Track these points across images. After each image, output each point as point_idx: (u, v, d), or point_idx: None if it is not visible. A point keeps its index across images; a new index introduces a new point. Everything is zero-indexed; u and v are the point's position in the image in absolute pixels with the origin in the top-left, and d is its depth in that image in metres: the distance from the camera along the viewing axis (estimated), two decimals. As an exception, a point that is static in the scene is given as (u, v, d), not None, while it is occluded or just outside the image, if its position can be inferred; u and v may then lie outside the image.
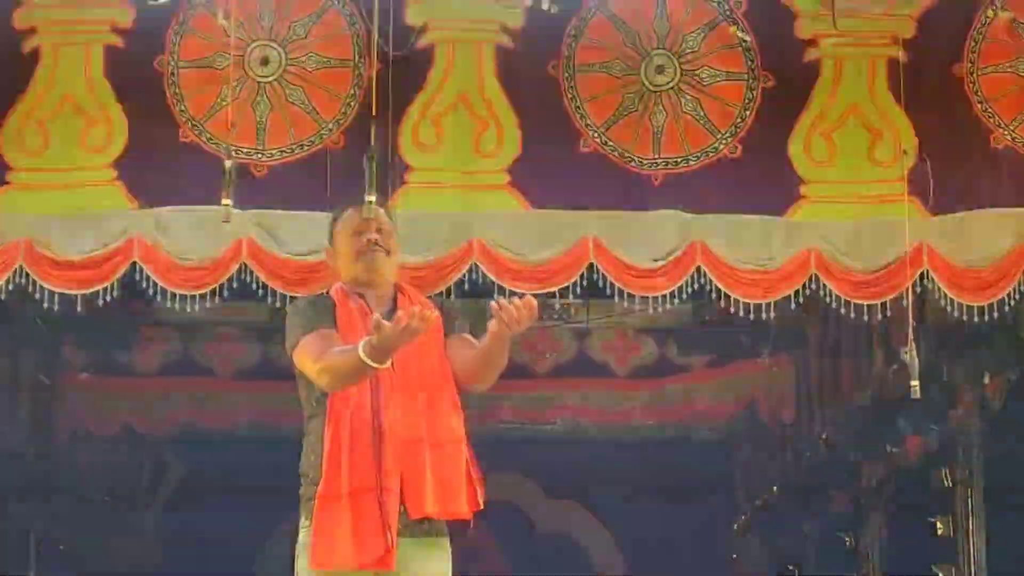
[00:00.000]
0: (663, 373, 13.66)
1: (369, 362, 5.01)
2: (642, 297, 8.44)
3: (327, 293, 5.57)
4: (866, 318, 8.76)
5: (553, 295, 8.66)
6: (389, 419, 5.17)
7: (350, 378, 5.19)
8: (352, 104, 8.36)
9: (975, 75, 8.41)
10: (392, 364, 5.12)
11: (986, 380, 9.89)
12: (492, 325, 5.12)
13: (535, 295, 8.64)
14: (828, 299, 8.34)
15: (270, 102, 8.37)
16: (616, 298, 8.54)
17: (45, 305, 8.35)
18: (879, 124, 8.40)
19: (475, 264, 8.06)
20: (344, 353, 5.15)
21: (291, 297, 8.11)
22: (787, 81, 8.46)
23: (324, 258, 8.03)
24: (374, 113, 8.04)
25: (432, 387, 5.28)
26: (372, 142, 7.93)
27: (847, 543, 12.38)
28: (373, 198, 6.35)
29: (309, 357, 5.30)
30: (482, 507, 5.31)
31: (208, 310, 8.65)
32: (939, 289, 8.24)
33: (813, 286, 8.27)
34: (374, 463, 5.09)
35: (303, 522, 5.27)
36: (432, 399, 5.26)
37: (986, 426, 10.02)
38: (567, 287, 8.44)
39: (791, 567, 13.90)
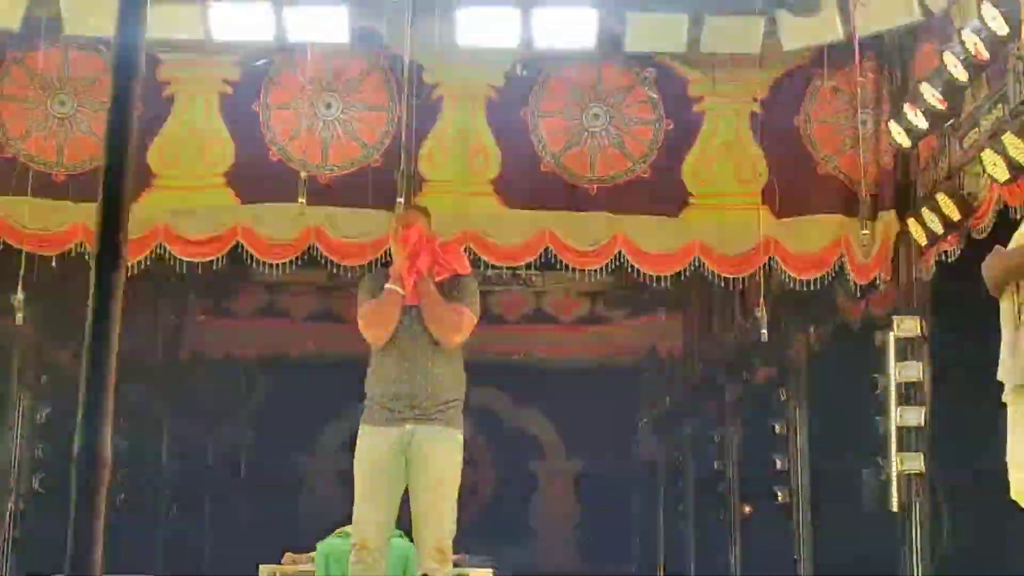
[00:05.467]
0: (594, 322, 13.68)
1: (390, 285, 4.99)
2: (581, 270, 8.50)
3: (386, 268, 5.45)
4: (731, 287, 8.83)
5: (521, 268, 8.70)
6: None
7: (383, 308, 5.08)
8: (387, 136, 8.36)
9: (808, 124, 8.43)
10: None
11: (811, 330, 9.95)
12: None
13: (508, 268, 8.75)
14: (707, 274, 8.38)
15: (332, 133, 8.37)
16: (564, 270, 8.60)
17: (177, 269, 8.38)
18: (742, 155, 8.41)
19: (468, 246, 8.08)
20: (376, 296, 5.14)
21: (346, 268, 8.18)
22: (681, 125, 8.45)
23: (367, 240, 8.12)
24: (403, 142, 8.08)
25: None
26: (403, 164, 7.97)
27: (715, 439, 12.45)
28: (402, 199, 6.36)
29: (359, 320, 5.22)
30: None
31: (287, 273, 8.68)
32: (781, 268, 8.29)
33: (696, 264, 8.31)
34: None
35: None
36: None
37: (810, 361, 10.08)
38: (531, 262, 8.49)
39: (677, 454, 13.98)
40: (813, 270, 8.28)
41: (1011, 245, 3.55)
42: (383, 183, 8.15)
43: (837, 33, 7.95)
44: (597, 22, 7.91)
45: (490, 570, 7.70)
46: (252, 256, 8.28)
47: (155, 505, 12.71)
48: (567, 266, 8.42)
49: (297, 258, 8.32)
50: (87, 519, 1.93)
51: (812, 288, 8.38)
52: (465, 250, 8.11)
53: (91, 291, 2.03)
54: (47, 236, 8.20)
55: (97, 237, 2.05)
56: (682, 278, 8.47)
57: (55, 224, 8.18)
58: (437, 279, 5.15)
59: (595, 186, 8.38)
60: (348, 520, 5.92)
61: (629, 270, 8.42)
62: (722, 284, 8.56)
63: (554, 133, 8.43)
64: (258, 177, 8.32)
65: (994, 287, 3.57)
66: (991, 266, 3.59)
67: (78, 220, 8.08)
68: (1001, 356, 3.42)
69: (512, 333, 13.06)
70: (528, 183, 8.37)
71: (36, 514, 9.36)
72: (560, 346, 13.79)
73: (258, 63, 8.34)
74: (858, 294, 8.53)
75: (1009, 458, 3.26)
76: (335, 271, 8.34)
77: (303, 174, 8.16)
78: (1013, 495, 3.24)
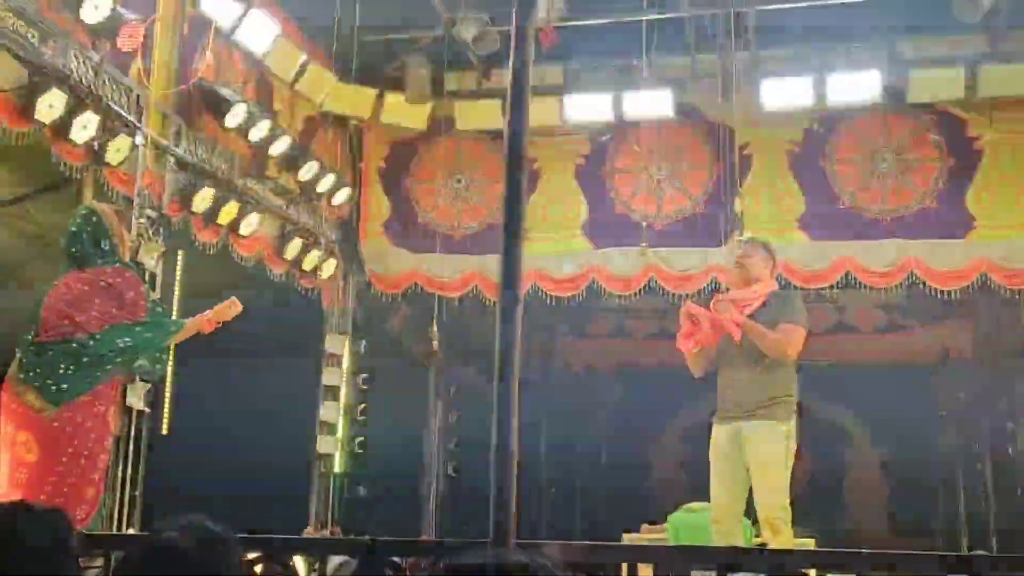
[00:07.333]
0: (891, 330, 12.96)
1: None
2: (876, 288, 8.15)
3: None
4: (1017, 296, 8.14)
5: (825, 288, 8.39)
6: None
7: (690, 361, 5.02)
8: (709, 188, 8.33)
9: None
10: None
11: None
12: None
13: (813, 289, 8.41)
14: (992, 285, 7.83)
15: (664, 189, 8.40)
16: (861, 288, 8.26)
17: (547, 301, 8.55)
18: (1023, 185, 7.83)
19: (779, 273, 7.85)
20: None
21: (678, 295, 8.12)
22: (963, 162, 8.01)
23: (695, 272, 8.07)
24: (739, 190, 8.01)
25: None
26: (736, 211, 7.90)
27: (1009, 430, 11.38)
28: (745, 237, 6.29)
29: None
30: None
31: (629, 301, 8.75)
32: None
33: (983, 279, 7.79)
34: None
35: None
36: None
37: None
38: (832, 284, 8.20)
39: (973, 443, 12.91)
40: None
41: None
42: (707, 226, 8.12)
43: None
44: (881, 80, 7.66)
45: (812, 540, 7.44)
46: (604, 289, 8.43)
47: (540, 486, 13.01)
48: (864, 284, 8.08)
49: (641, 289, 8.39)
50: (504, 496, 2.04)
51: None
52: (777, 276, 7.92)
53: (498, 323, 2.13)
54: (451, 283, 8.70)
55: (500, 283, 2.16)
56: (969, 290, 7.95)
57: (456, 273, 8.66)
58: (752, 311, 4.94)
59: (887, 217, 8.02)
60: (690, 498, 5.91)
61: (921, 286, 8.01)
62: (1007, 293, 7.96)
63: (848, 176, 8.18)
64: (607, 227, 8.49)
65: None
66: None
67: (473, 269, 8.51)
68: None
69: (819, 343, 12.54)
70: (828, 219, 8.15)
71: (449, 492, 9.98)
72: (862, 351, 13.12)
73: (603, 139, 8.51)
74: None
75: None
76: (670, 298, 8.33)
77: (643, 223, 8.25)
78: None
